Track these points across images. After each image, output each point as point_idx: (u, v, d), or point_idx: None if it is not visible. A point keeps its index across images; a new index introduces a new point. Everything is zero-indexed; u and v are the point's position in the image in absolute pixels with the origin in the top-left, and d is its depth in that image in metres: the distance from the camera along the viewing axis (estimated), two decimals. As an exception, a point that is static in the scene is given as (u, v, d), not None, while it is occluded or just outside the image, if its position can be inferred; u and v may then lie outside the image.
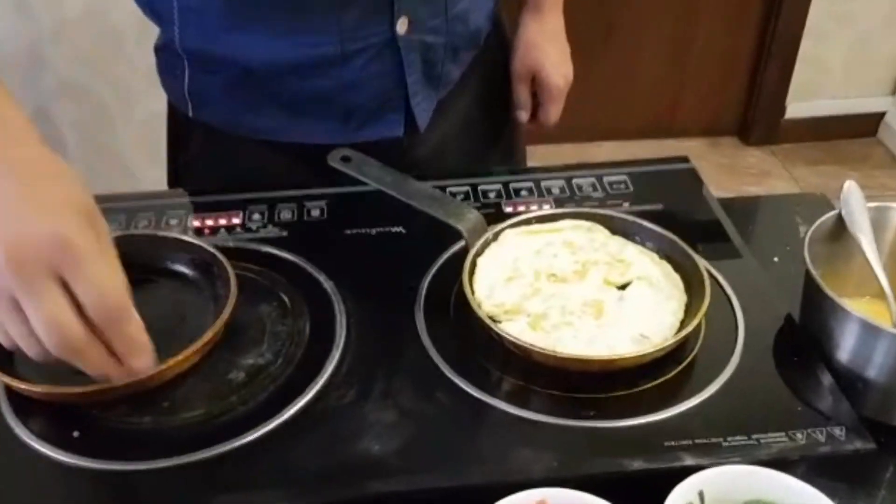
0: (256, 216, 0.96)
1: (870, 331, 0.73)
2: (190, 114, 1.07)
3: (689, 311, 0.80)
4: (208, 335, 0.75)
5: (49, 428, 0.72)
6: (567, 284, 0.83)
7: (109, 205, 0.94)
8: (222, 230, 0.94)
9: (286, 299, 0.84)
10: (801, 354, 0.78)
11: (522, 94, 1.20)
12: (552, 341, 0.76)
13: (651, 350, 0.74)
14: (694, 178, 1.03)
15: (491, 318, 0.79)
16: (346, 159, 0.90)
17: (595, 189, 1.01)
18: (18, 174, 0.62)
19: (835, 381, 0.75)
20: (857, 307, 0.75)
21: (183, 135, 1.14)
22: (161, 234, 0.88)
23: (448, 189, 1.00)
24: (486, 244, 0.87)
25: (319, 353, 0.78)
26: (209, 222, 0.95)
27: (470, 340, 0.79)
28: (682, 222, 0.95)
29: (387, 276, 0.89)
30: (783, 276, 0.89)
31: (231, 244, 0.92)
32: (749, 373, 0.76)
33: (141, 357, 0.65)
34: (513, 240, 0.87)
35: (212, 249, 0.84)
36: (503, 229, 0.88)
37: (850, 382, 0.76)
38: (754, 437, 0.70)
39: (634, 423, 0.72)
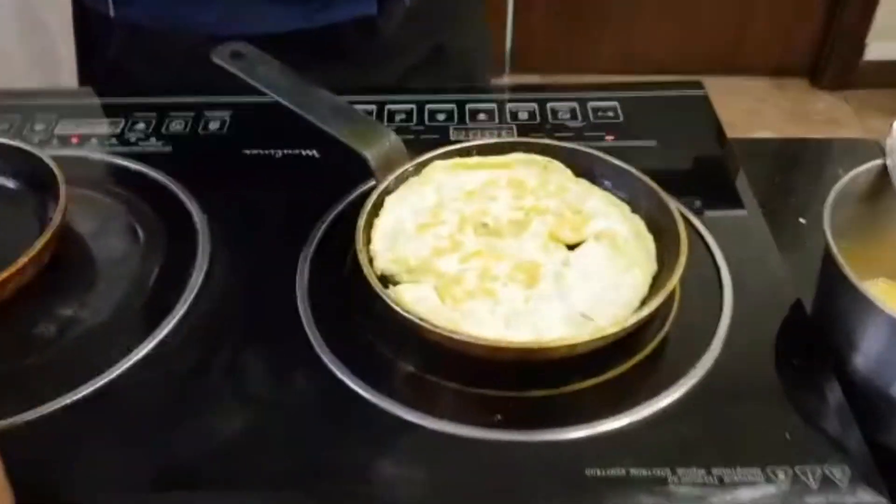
0: (140, 126, 0.77)
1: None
2: (111, 13, 0.87)
3: (656, 285, 0.58)
4: (12, 269, 0.57)
5: None
6: (499, 239, 0.62)
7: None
8: (94, 139, 0.75)
9: (140, 234, 0.66)
10: (804, 357, 0.56)
11: None
12: (458, 316, 0.55)
13: (584, 339, 0.53)
14: (705, 110, 0.80)
15: (386, 277, 0.59)
16: (236, 55, 0.69)
17: (574, 117, 0.79)
18: None
19: (845, 399, 0.53)
20: (890, 294, 0.53)
21: (99, 39, 0.94)
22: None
23: (387, 106, 0.79)
24: (404, 178, 0.66)
25: (159, 308, 0.59)
26: (83, 129, 0.77)
27: (358, 307, 0.59)
28: (676, 167, 0.73)
29: (278, 214, 0.69)
30: (806, 249, 0.66)
31: (95, 156, 0.73)
32: (725, 378, 0.55)
33: None
34: (441, 175, 0.67)
35: (44, 158, 0.65)
36: (430, 160, 0.67)
37: (867, 402, 0.54)
38: (715, 471, 0.50)
39: (550, 438, 0.52)
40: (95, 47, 0.94)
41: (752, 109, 2.70)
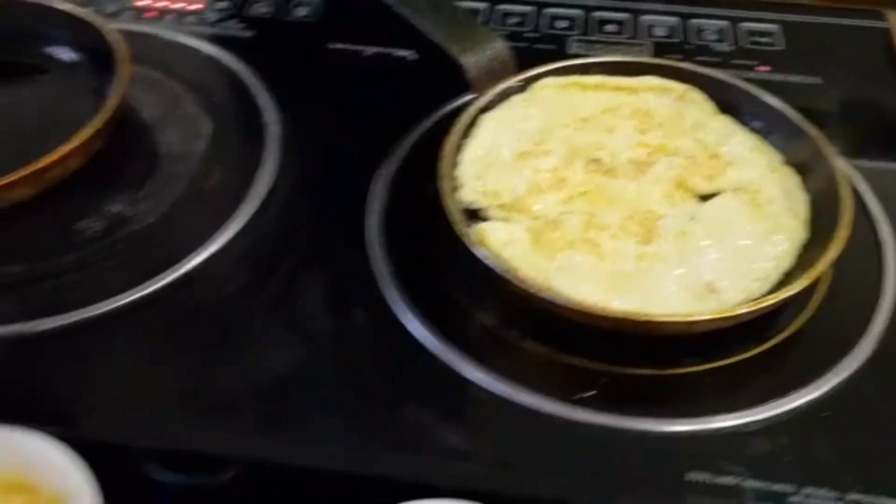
0: (224, 4, 0.69)
1: None
2: None
3: (805, 258, 0.47)
4: (56, 154, 0.50)
5: None
6: (614, 179, 0.51)
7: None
8: (171, 15, 0.68)
9: (204, 129, 0.58)
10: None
11: None
12: (552, 268, 0.46)
13: (705, 316, 0.43)
14: (884, 45, 0.66)
15: (474, 211, 0.50)
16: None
17: (722, 39, 0.66)
18: None
19: None
20: None
21: None
22: (32, 0, 0.62)
23: (498, 5, 0.69)
24: (507, 95, 0.56)
25: (216, 217, 0.52)
26: (161, 2, 0.69)
27: (436, 242, 0.50)
28: (844, 113, 0.60)
29: (360, 121, 0.60)
30: None
31: (169, 34, 0.65)
32: (876, 382, 0.45)
33: None
34: (551, 94, 0.56)
35: (105, 31, 0.58)
36: (540, 75, 0.56)
37: None
38: (851, 497, 0.40)
39: (649, 429, 0.42)
40: None
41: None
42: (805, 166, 0.51)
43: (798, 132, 0.52)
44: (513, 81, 0.56)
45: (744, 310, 0.42)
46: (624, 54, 0.64)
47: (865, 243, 0.51)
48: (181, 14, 0.68)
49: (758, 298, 0.44)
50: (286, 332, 0.47)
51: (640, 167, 0.52)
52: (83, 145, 0.51)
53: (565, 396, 0.43)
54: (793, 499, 0.40)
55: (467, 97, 0.57)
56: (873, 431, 0.43)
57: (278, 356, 0.46)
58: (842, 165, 0.49)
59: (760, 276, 0.46)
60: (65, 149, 0.50)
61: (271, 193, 0.54)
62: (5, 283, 0.49)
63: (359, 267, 0.50)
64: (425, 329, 0.46)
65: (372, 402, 0.44)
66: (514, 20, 0.68)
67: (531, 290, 0.43)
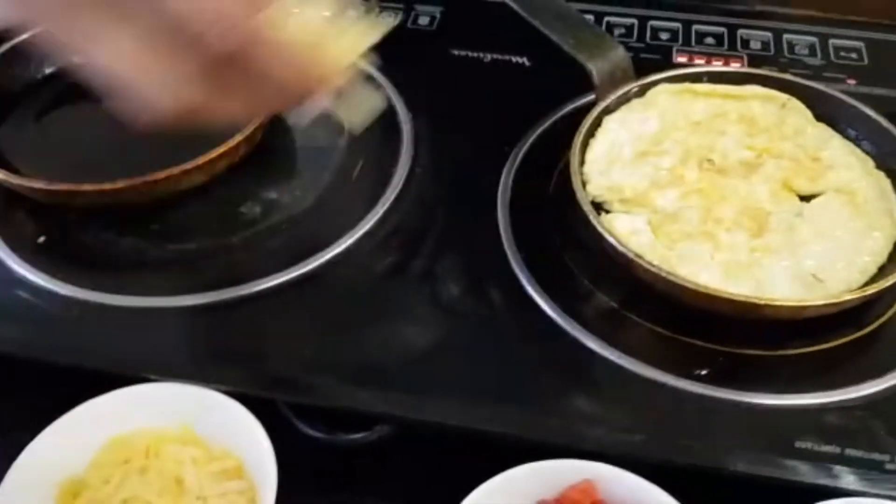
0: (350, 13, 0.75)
1: None
2: None
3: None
4: (228, 145, 0.57)
5: (12, 228, 0.57)
6: (726, 178, 0.57)
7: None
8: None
9: (344, 126, 0.64)
10: None
11: None
12: (673, 256, 0.51)
13: (817, 302, 0.48)
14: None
15: (597, 204, 0.55)
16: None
17: (813, 53, 0.71)
18: None
19: None
20: None
21: None
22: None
23: (606, 18, 0.74)
24: (627, 99, 0.61)
25: (361, 204, 0.58)
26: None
27: (562, 230, 0.56)
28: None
29: (484, 122, 0.66)
30: None
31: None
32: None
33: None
34: (667, 100, 0.62)
35: None
36: (656, 82, 0.62)
37: None
38: (942, 466, 0.45)
39: (759, 402, 0.48)
40: None
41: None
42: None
43: (890, 138, 0.57)
44: (632, 86, 0.61)
45: (848, 297, 0.48)
46: (722, 64, 0.69)
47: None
48: (314, 19, 0.74)
49: (858, 288, 0.50)
50: (430, 308, 0.53)
51: (750, 168, 0.57)
52: (247, 138, 0.58)
53: (685, 372, 0.49)
54: (889, 465, 0.45)
55: (584, 100, 0.63)
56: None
57: (423, 330, 0.52)
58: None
59: (860, 269, 0.51)
60: (234, 140, 0.57)
61: (407, 184, 0.60)
62: (182, 258, 0.56)
63: (492, 250, 0.55)
64: (556, 308, 0.52)
65: (510, 372, 0.50)
66: (620, 31, 0.73)
67: (661, 274, 0.49)
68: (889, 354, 0.50)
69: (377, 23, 0.40)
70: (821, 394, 0.48)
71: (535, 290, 0.53)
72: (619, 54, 0.61)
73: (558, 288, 0.53)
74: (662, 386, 0.48)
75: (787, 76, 0.62)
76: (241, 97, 0.35)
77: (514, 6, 0.62)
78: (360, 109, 0.43)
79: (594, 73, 0.60)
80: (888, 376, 0.49)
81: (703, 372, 0.49)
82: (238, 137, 0.57)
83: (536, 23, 0.61)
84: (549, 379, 0.49)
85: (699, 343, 0.50)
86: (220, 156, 0.56)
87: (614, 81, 0.60)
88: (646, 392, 0.48)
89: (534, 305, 0.52)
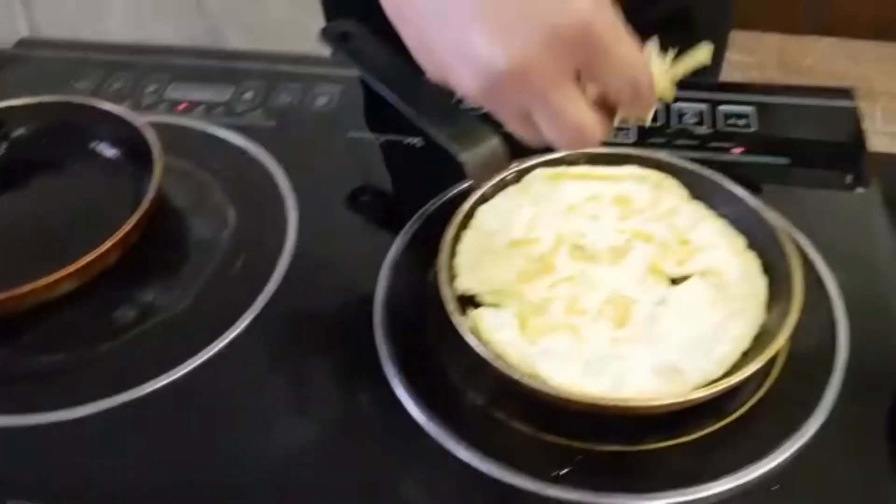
0: (248, 95, 0.76)
1: None
2: None
3: (761, 339, 0.53)
4: (96, 252, 0.57)
5: None
6: (595, 265, 0.57)
7: (85, 54, 0.78)
8: (202, 106, 0.75)
9: (230, 216, 0.65)
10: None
11: None
12: (536, 352, 0.52)
13: (664, 402, 0.48)
14: (852, 125, 0.71)
15: (468, 298, 0.56)
16: (344, 37, 0.66)
17: (702, 122, 0.72)
18: None
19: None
20: None
21: None
22: (78, 101, 0.69)
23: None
24: (503, 186, 0.62)
25: (239, 302, 0.59)
26: (193, 95, 0.76)
27: (436, 326, 0.56)
28: (807, 193, 0.66)
29: (373, 207, 0.67)
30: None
31: (199, 126, 0.72)
32: (826, 454, 0.50)
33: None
34: (542, 185, 0.62)
35: (143, 130, 0.64)
36: (533, 167, 0.63)
37: None
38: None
39: (612, 501, 0.48)
40: None
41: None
42: (764, 250, 0.57)
43: (758, 219, 0.58)
44: (508, 173, 0.62)
45: (697, 395, 0.48)
46: (610, 140, 0.69)
47: (821, 324, 0.56)
48: (210, 106, 0.75)
49: (715, 381, 0.50)
50: (298, 414, 0.53)
51: (619, 253, 0.58)
52: (121, 240, 0.58)
53: (544, 474, 0.49)
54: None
55: (468, 183, 0.64)
56: (821, 500, 0.48)
57: (291, 436, 0.52)
58: (796, 253, 0.54)
59: (719, 357, 0.52)
60: (105, 245, 0.57)
61: (287, 279, 0.60)
62: (49, 371, 0.56)
63: (365, 348, 0.56)
64: (423, 408, 0.52)
65: (372, 478, 0.50)
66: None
67: (514, 376, 0.49)
68: (749, 446, 0.50)
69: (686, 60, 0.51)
70: (677, 492, 0.48)
71: (404, 391, 0.53)
72: (494, 143, 0.60)
73: (428, 387, 0.53)
74: (522, 491, 0.48)
75: (662, 156, 0.63)
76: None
77: (388, 95, 0.63)
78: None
79: (466, 163, 0.60)
80: (745, 470, 0.49)
81: (563, 472, 0.49)
82: (109, 242, 0.57)
83: (410, 112, 0.62)
84: (409, 486, 0.50)
85: (561, 441, 0.51)
86: (89, 263, 0.56)
87: (489, 170, 0.60)
88: (507, 498, 0.49)
89: (400, 407, 0.52)
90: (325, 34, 0.64)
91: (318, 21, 0.91)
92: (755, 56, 2.59)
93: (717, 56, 0.92)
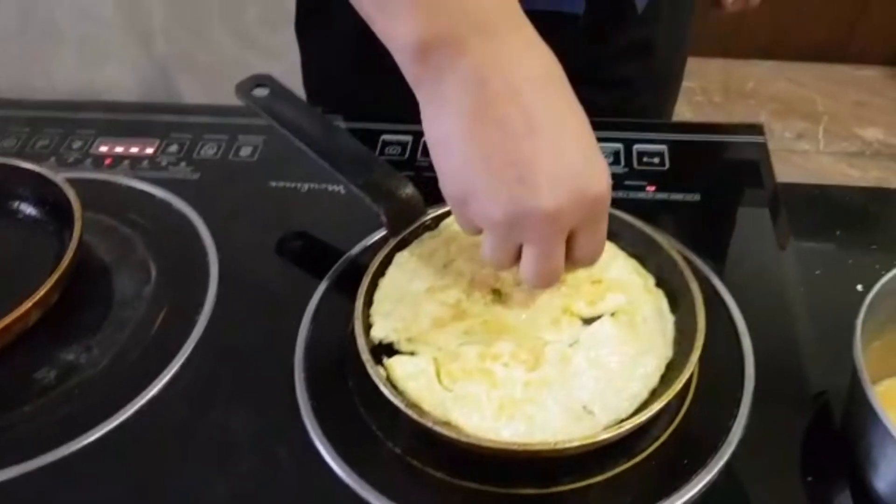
0: (173, 148, 0.77)
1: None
2: None
3: (668, 376, 0.54)
4: (15, 314, 0.57)
5: None
6: (509, 308, 0.59)
7: (12, 112, 0.78)
8: (126, 161, 0.75)
9: (152, 272, 0.65)
10: (821, 474, 0.52)
11: None
12: (450, 399, 0.53)
13: (573, 444, 0.49)
14: (761, 160, 0.74)
15: (387, 345, 0.57)
16: (258, 92, 0.67)
17: (618, 161, 0.74)
18: (564, 93, 0.50)
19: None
20: None
21: None
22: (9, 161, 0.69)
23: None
24: (419, 233, 0.63)
25: (157, 360, 0.59)
26: (119, 148, 0.77)
27: (355, 374, 0.57)
28: (717, 229, 0.68)
29: (295, 257, 0.68)
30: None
31: (123, 181, 0.73)
32: (733, 489, 0.51)
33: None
34: (458, 230, 0.63)
35: (63, 188, 0.65)
36: (448, 213, 0.64)
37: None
38: None
39: (531, 548, 0.49)
40: None
41: (861, 102, 2.53)
42: (672, 289, 0.59)
43: (666, 256, 0.60)
44: (424, 220, 0.63)
45: (603, 436, 0.49)
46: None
47: (729, 357, 0.58)
48: (135, 160, 0.75)
49: (625, 419, 0.51)
50: (219, 470, 0.54)
51: (532, 296, 0.59)
52: (41, 301, 0.58)
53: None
54: None
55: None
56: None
57: (211, 492, 0.53)
58: (700, 291, 0.56)
59: (629, 396, 0.53)
60: (23, 307, 0.57)
61: (207, 333, 0.61)
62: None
63: (285, 400, 0.56)
64: (340, 459, 0.53)
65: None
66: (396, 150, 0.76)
67: (427, 425, 0.50)
68: (662, 480, 0.52)
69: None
70: (588, 531, 0.49)
71: (323, 443, 0.54)
72: (409, 192, 0.63)
73: (347, 437, 0.54)
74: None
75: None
76: None
77: (305, 147, 0.64)
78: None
79: (382, 213, 0.61)
80: None
81: (478, 517, 0.50)
82: (27, 304, 0.57)
83: (326, 163, 0.63)
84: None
85: (476, 486, 0.52)
86: (8, 325, 0.57)
87: (406, 219, 0.62)
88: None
89: (320, 458, 0.53)
90: (240, 89, 0.66)
91: (271, 61, 0.92)
92: (699, 81, 2.65)
93: (675, 86, 0.96)
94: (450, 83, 0.48)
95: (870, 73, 2.64)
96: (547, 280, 0.53)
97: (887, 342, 0.56)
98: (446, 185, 0.51)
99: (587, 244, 0.52)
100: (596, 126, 0.51)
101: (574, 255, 0.53)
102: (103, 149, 0.77)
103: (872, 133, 2.43)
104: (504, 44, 0.49)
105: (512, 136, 0.48)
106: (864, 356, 0.50)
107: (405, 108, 0.55)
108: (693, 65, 3.26)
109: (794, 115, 2.53)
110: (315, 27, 0.89)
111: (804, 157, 2.36)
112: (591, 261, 0.54)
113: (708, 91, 2.62)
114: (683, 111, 2.48)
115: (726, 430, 0.54)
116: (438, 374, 0.55)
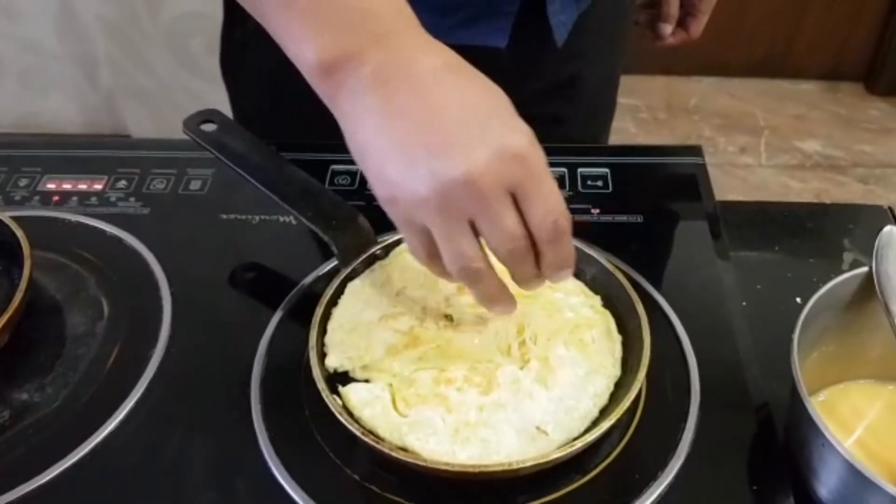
0: (122, 183, 0.77)
1: (858, 480, 0.47)
2: None
3: (617, 395, 0.56)
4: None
5: None
6: (461, 333, 0.60)
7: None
8: (75, 198, 0.75)
9: (105, 309, 0.65)
10: (765, 483, 0.54)
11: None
12: (406, 424, 0.54)
13: (526, 464, 0.51)
14: (700, 180, 0.76)
15: (344, 372, 0.58)
16: (205, 127, 0.68)
17: (563, 185, 0.76)
18: (468, 76, 0.52)
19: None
20: (871, 397, 0.57)
21: (240, 11, 0.90)
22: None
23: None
24: (370, 262, 0.64)
25: (113, 397, 0.59)
26: (67, 185, 0.77)
27: (311, 403, 0.58)
28: (659, 248, 0.70)
29: (247, 288, 0.68)
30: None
31: (73, 218, 0.73)
32: (682, 497, 0.53)
33: (564, 272, 0.54)
34: (409, 259, 0.64)
35: (11, 227, 0.64)
36: (398, 241, 0.65)
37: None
38: None
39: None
40: (235, 19, 0.90)
41: (800, 115, 2.61)
42: (619, 309, 0.60)
43: (611, 277, 0.61)
44: (374, 249, 0.64)
45: (556, 455, 0.51)
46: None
47: (675, 372, 0.60)
48: (83, 196, 0.75)
49: (577, 437, 0.53)
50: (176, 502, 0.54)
51: (483, 320, 0.60)
52: (-7, 339, 0.58)
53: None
54: None
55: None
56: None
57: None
58: (643, 310, 0.58)
59: (581, 415, 0.55)
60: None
61: (161, 370, 0.61)
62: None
63: (242, 432, 0.57)
64: (301, 491, 0.53)
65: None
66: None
67: (384, 450, 0.51)
68: (611, 497, 0.53)
69: None
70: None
71: (280, 471, 0.54)
72: (360, 222, 0.64)
73: (306, 466, 0.55)
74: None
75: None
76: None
77: (253, 181, 0.65)
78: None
79: (333, 245, 0.62)
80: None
81: (436, 540, 0.51)
82: (-15, 339, 0.57)
83: (276, 197, 0.64)
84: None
85: (432, 509, 0.53)
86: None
87: (356, 249, 0.63)
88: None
89: (280, 488, 0.54)
90: (187, 124, 0.66)
91: (217, 88, 0.93)
92: (644, 99, 2.71)
93: (606, 118, 0.99)
94: (357, 94, 0.50)
95: (808, 87, 2.72)
96: (510, 248, 0.51)
97: (826, 353, 0.59)
98: (376, 190, 0.51)
99: (538, 207, 0.50)
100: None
101: (532, 223, 0.50)
102: (51, 186, 0.76)
103: (812, 145, 2.51)
104: (402, 47, 0.51)
105: (419, 121, 0.49)
106: (803, 368, 0.53)
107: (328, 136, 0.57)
108: (637, 83, 3.34)
109: (736, 129, 2.59)
110: (238, 63, 0.90)
111: (747, 170, 2.42)
112: (553, 232, 0.51)
113: (652, 108, 2.68)
114: (628, 127, 2.53)
115: (674, 445, 0.55)
116: (394, 401, 0.56)
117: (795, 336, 0.52)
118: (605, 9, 0.90)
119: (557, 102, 0.90)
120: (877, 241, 0.57)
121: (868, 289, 0.57)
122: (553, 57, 0.84)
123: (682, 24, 0.93)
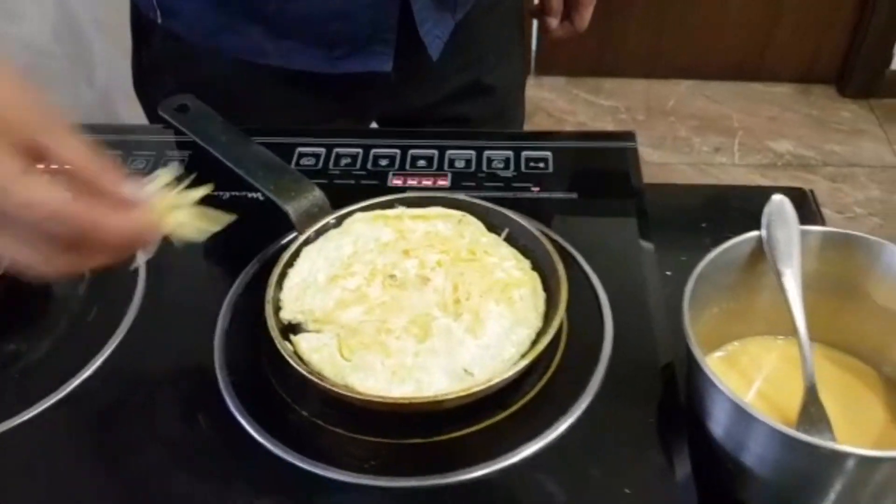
0: (106, 163, 0.84)
1: (741, 416, 0.55)
2: (158, 21, 0.93)
3: (537, 344, 0.63)
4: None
5: None
6: (405, 291, 0.67)
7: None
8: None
9: (87, 272, 0.72)
10: (662, 420, 0.61)
11: None
12: (349, 367, 0.61)
13: (450, 396, 0.58)
14: (631, 162, 0.84)
15: (295, 325, 0.65)
16: (182, 109, 0.76)
17: (507, 166, 0.83)
18: None
19: (691, 461, 0.58)
20: (767, 350, 0.64)
21: (147, 35, 0.99)
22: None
23: (335, 149, 0.85)
24: (325, 230, 0.72)
25: (89, 347, 0.66)
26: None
27: (268, 353, 0.65)
28: (591, 221, 0.77)
29: (217, 255, 0.75)
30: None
31: (60, 196, 0.80)
32: (585, 436, 0.60)
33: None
34: (361, 227, 0.72)
35: None
36: (351, 212, 0.73)
37: (721, 466, 0.58)
38: None
39: (414, 484, 0.57)
40: (142, 42, 1.00)
41: (773, 117, 2.69)
42: (544, 270, 0.68)
43: (539, 243, 0.69)
44: (329, 219, 0.72)
45: (476, 388, 0.58)
46: (430, 182, 0.80)
47: (593, 326, 0.67)
48: (69, 174, 0.82)
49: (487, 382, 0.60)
50: (148, 438, 0.61)
51: (424, 280, 0.68)
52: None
53: (359, 467, 0.58)
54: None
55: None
56: (579, 472, 0.58)
57: (138, 461, 0.60)
58: (563, 271, 0.66)
59: (505, 360, 0.62)
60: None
61: (135, 324, 0.68)
62: None
63: (206, 379, 0.64)
64: (256, 426, 0.60)
65: (215, 491, 0.58)
66: (346, 161, 0.84)
67: (324, 385, 0.59)
68: (528, 429, 0.60)
69: (193, 193, 0.62)
70: (465, 470, 0.58)
71: (239, 410, 0.62)
72: (315, 194, 0.71)
73: (261, 406, 0.62)
74: (338, 482, 0.57)
75: (461, 195, 0.74)
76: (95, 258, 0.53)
77: (222, 158, 0.72)
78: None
79: (291, 212, 0.70)
80: (521, 448, 0.59)
81: (373, 463, 0.58)
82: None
83: (241, 171, 0.71)
84: (241, 490, 0.58)
85: (371, 439, 0.60)
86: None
87: (312, 217, 0.71)
88: (329, 490, 0.57)
89: (238, 424, 0.61)
90: (164, 108, 0.74)
91: None
92: (623, 101, 2.79)
93: (515, 118, 1.08)
94: None
95: (781, 90, 2.81)
96: (44, 217, 0.50)
97: (725, 310, 0.66)
98: None
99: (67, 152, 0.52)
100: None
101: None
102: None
103: (784, 145, 2.59)
104: None
105: None
106: (702, 322, 0.60)
107: None
108: (618, 85, 3.43)
109: (711, 130, 2.68)
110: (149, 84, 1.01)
111: (721, 169, 2.50)
112: (81, 160, 0.53)
113: (631, 110, 2.76)
114: (608, 128, 2.61)
115: (585, 385, 0.63)
116: (340, 348, 0.63)
117: (686, 296, 0.59)
118: (493, 17, 1.00)
119: (467, 105, 1.02)
120: (766, 208, 0.65)
121: (759, 251, 0.65)
122: (444, 68, 0.94)
123: (569, 17, 1.02)
